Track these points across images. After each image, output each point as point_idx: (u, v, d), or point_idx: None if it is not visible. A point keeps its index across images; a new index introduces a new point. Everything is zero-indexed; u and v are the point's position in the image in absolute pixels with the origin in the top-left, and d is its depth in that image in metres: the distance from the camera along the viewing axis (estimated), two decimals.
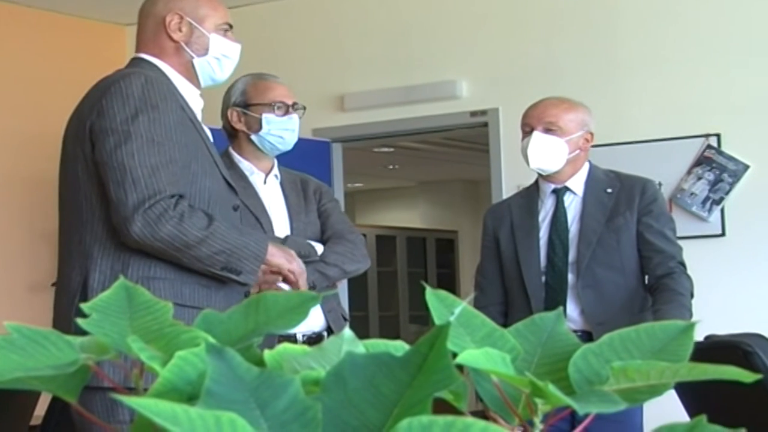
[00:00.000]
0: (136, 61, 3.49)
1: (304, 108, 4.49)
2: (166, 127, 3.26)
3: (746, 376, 0.94)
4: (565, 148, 4.40)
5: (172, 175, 3.23)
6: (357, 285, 11.51)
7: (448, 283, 15.19)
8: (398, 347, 1.01)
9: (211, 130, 3.59)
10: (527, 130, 4.43)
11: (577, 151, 4.44)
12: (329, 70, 7.88)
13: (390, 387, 0.86)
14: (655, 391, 1.00)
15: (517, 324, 1.13)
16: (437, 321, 1.01)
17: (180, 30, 3.47)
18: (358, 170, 13.32)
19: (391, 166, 14.51)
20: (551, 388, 0.93)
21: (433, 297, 1.06)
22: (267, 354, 1.03)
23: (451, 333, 1.05)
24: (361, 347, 1.02)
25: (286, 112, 4.38)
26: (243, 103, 4.40)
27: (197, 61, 3.49)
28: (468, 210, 15.14)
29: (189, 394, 0.98)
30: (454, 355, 0.99)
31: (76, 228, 3.36)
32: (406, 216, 16.10)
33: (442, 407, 1.07)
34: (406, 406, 0.85)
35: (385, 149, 12.53)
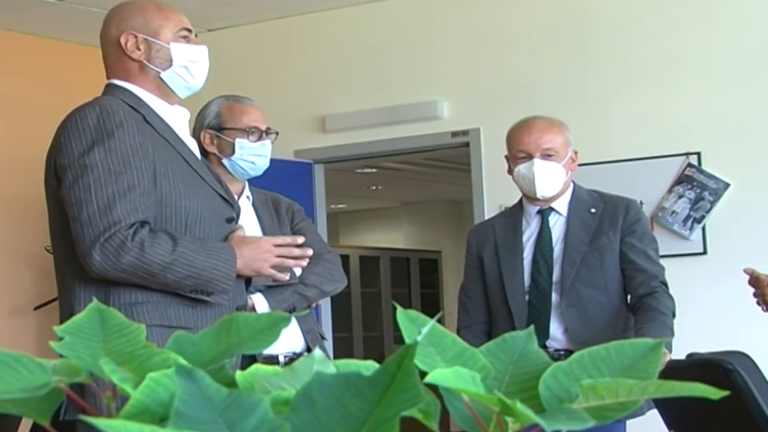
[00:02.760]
0: (108, 88, 3.48)
1: (277, 133, 4.46)
2: (123, 154, 3.22)
3: (713, 393, 0.95)
4: (563, 172, 4.44)
5: (129, 203, 3.20)
6: (341, 306, 11.51)
7: (432, 303, 15.21)
8: (369, 367, 1.02)
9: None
10: (521, 156, 4.43)
11: (569, 172, 4.48)
12: (310, 92, 7.90)
13: (358, 406, 0.87)
14: (624, 408, 1.00)
15: (488, 343, 1.13)
16: (407, 340, 1.02)
17: (138, 48, 3.43)
18: (342, 191, 13.34)
19: (374, 187, 14.53)
20: (519, 406, 0.93)
21: (404, 317, 1.07)
22: (238, 375, 1.04)
23: (422, 352, 1.06)
24: (331, 367, 1.03)
25: (260, 138, 4.34)
26: (217, 126, 4.37)
27: (165, 75, 3.44)
28: (451, 230, 15.17)
29: (161, 416, 0.98)
30: (425, 374, 0.99)
31: (61, 264, 3.39)
32: (390, 236, 16.12)
33: (412, 427, 1.08)
34: (374, 425, 0.86)
35: (368, 170, 12.55)
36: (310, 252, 3.51)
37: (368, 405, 0.87)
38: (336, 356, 6.69)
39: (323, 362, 1.03)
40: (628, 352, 1.07)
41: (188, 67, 3.46)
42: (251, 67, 8.01)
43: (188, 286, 3.26)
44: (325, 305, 7.72)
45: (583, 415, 0.97)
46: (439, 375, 0.98)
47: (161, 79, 3.44)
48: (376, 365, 0.98)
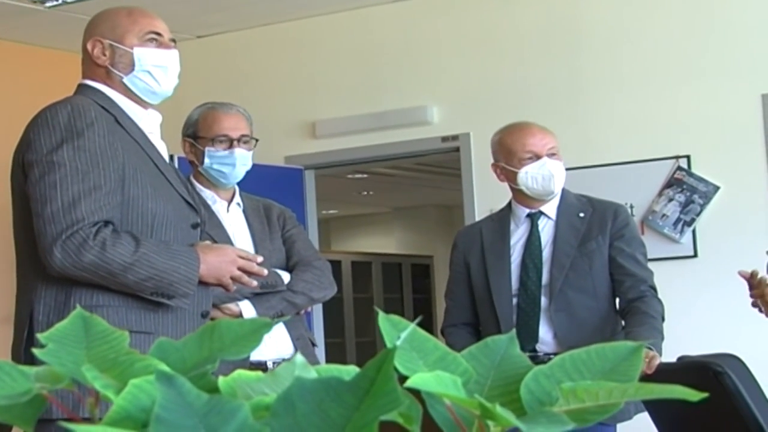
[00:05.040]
0: (80, 87, 3.50)
1: (257, 140, 4.43)
2: (91, 153, 3.23)
3: (692, 395, 0.95)
4: (564, 171, 4.50)
5: (94, 203, 3.21)
6: (333, 312, 11.52)
7: (425, 307, 15.22)
8: (350, 371, 1.02)
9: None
10: (528, 158, 4.45)
11: None
12: (300, 98, 7.90)
13: (338, 411, 0.87)
14: (604, 410, 1.01)
15: (470, 347, 1.14)
16: (389, 345, 1.02)
17: (104, 54, 3.45)
18: (333, 197, 13.34)
19: (365, 193, 14.53)
20: (499, 409, 0.94)
21: (385, 321, 1.07)
22: (221, 380, 1.04)
23: (404, 357, 1.07)
24: (312, 372, 1.03)
25: (230, 146, 4.32)
26: (192, 134, 4.38)
27: (127, 80, 3.44)
28: (443, 235, 15.18)
29: (143, 422, 0.98)
30: (406, 378, 1.00)
31: (22, 262, 3.39)
32: (382, 242, 16.12)
33: (395, 431, 1.08)
34: (353, 430, 0.86)
35: (359, 176, 12.56)
36: (264, 272, 3.51)
37: (348, 409, 0.87)
38: (328, 362, 6.69)
39: (304, 367, 1.03)
40: (609, 355, 1.08)
41: (152, 71, 3.45)
42: (241, 73, 8.01)
43: (149, 288, 3.26)
44: (317, 311, 7.72)
45: (563, 418, 0.97)
46: (419, 379, 0.99)
47: (125, 84, 3.45)
48: (357, 370, 0.99)
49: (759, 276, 4.28)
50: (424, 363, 1.06)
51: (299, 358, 1.05)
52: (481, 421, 1.00)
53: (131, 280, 3.23)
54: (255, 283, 3.54)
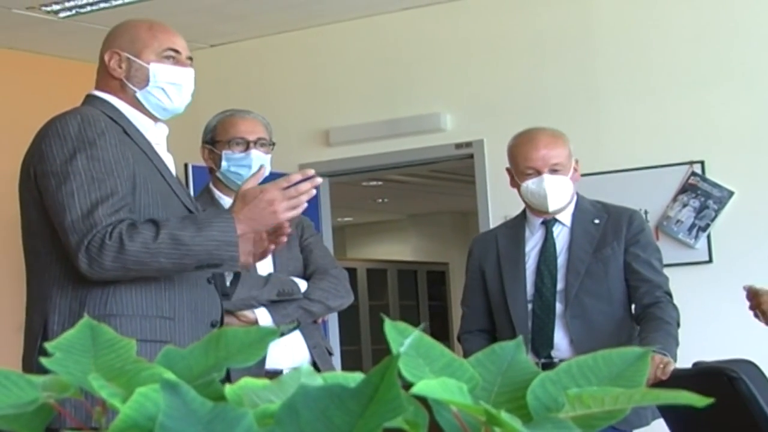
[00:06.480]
0: (88, 98, 3.51)
1: (273, 143, 4.46)
2: (105, 162, 3.24)
3: (698, 401, 0.95)
4: (570, 185, 4.45)
5: (111, 207, 3.21)
6: (349, 319, 11.52)
7: (441, 315, 15.21)
8: (357, 378, 1.02)
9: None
10: (529, 173, 4.42)
11: (574, 183, 4.49)
12: (314, 105, 7.91)
13: (342, 418, 0.87)
14: (611, 416, 1.01)
15: (477, 353, 1.14)
16: (394, 352, 1.02)
17: (120, 67, 3.46)
18: (348, 204, 13.35)
19: (380, 200, 14.54)
20: (504, 415, 0.94)
21: (392, 328, 1.07)
22: (227, 388, 1.04)
23: (410, 363, 1.07)
24: (319, 380, 1.03)
25: (246, 149, 4.36)
26: (211, 140, 4.42)
27: (140, 94, 3.45)
28: (458, 241, 15.17)
29: (150, 430, 0.98)
30: (412, 385, 1.00)
31: (36, 271, 3.39)
32: (397, 249, 16.12)
33: None
34: None
35: (374, 183, 12.56)
36: (319, 180, 3.34)
37: (352, 416, 0.87)
38: (344, 370, 6.69)
39: (310, 375, 1.03)
40: (616, 360, 1.07)
41: (165, 88, 3.45)
42: (254, 81, 8.02)
43: (189, 264, 3.23)
44: (333, 319, 7.72)
45: (569, 424, 0.97)
46: (425, 386, 0.98)
47: (137, 98, 3.46)
48: (362, 376, 0.99)
49: (753, 289, 4.29)
50: (431, 369, 1.06)
51: (306, 365, 1.05)
52: (488, 427, 1.00)
53: (166, 263, 3.20)
54: (313, 192, 3.32)
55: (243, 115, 4.45)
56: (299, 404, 0.88)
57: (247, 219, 3.28)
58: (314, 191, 3.33)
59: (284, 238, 3.50)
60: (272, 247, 3.52)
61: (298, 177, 3.31)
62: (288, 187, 3.29)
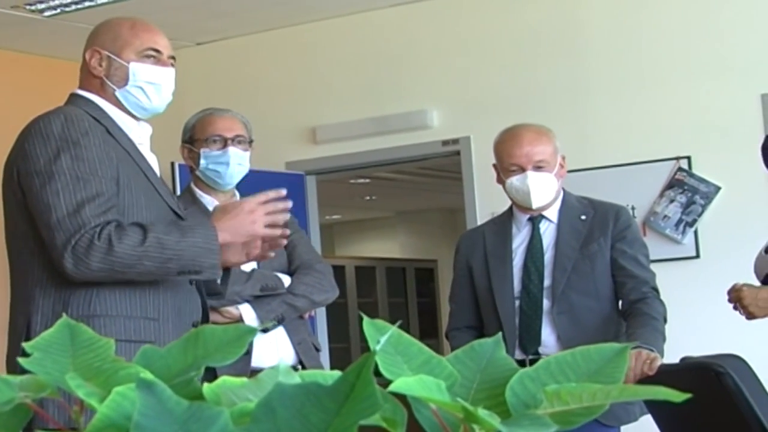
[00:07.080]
0: (72, 98, 3.49)
1: (251, 141, 4.45)
2: (89, 162, 3.23)
3: (676, 396, 0.95)
4: (555, 182, 4.44)
5: (97, 208, 3.20)
6: (337, 317, 11.50)
7: (430, 312, 15.20)
8: (334, 376, 1.02)
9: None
10: (513, 170, 4.42)
11: (560, 179, 4.48)
12: (300, 103, 7.91)
13: (318, 416, 0.87)
14: (589, 412, 1.01)
15: (456, 351, 1.14)
16: (372, 349, 1.02)
17: (100, 65, 3.44)
18: (336, 202, 13.34)
19: (368, 197, 14.53)
20: (481, 412, 0.94)
21: (370, 326, 1.07)
22: (205, 387, 1.04)
23: (388, 361, 1.07)
24: (296, 378, 1.03)
25: (224, 146, 4.36)
26: (189, 139, 4.43)
27: (119, 93, 3.43)
28: (447, 238, 15.17)
29: (127, 429, 0.98)
30: (390, 382, 1.00)
31: (19, 272, 3.37)
32: (386, 246, 16.11)
33: None
34: None
35: (362, 180, 12.56)
36: (290, 204, 3.38)
37: (328, 414, 0.87)
38: (333, 367, 6.69)
39: (287, 373, 1.03)
40: (594, 357, 1.08)
41: (144, 88, 3.44)
42: (240, 79, 8.01)
43: (172, 269, 3.23)
44: (321, 317, 7.72)
45: (547, 420, 0.97)
46: (403, 383, 0.98)
47: (117, 97, 3.45)
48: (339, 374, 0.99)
49: (738, 286, 4.30)
50: (409, 367, 1.06)
51: (283, 363, 1.05)
52: (466, 424, 1.00)
53: (149, 267, 3.20)
54: (287, 216, 3.39)
55: (221, 113, 4.45)
56: (275, 402, 0.88)
57: (228, 228, 3.30)
58: (288, 214, 3.39)
59: (284, 241, 3.51)
60: (271, 254, 3.53)
61: (273, 194, 3.36)
62: (266, 202, 3.34)
